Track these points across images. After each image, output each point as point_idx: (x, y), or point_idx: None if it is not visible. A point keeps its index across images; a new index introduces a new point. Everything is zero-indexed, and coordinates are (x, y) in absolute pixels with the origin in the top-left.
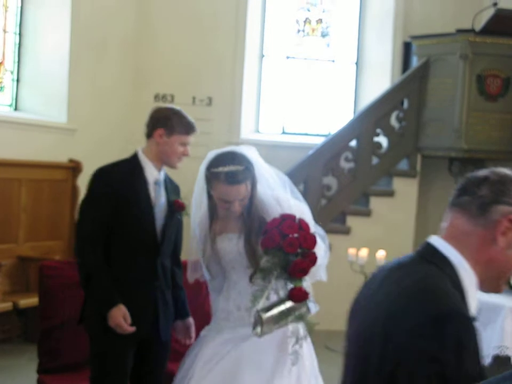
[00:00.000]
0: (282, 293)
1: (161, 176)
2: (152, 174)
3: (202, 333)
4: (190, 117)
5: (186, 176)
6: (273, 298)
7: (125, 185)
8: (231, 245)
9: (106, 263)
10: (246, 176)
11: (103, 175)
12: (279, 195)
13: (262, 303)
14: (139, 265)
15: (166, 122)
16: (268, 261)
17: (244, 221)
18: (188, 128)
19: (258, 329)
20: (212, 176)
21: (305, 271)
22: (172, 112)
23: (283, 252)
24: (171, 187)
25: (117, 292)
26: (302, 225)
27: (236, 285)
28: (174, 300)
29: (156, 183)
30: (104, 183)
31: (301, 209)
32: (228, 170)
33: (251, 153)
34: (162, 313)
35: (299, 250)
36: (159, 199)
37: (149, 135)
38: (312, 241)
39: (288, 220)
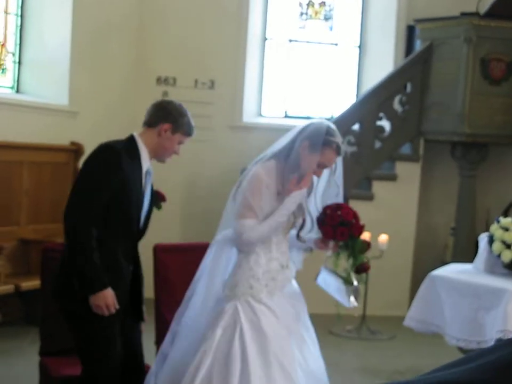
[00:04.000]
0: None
1: (151, 166)
2: (146, 162)
3: (247, 291)
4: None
5: (192, 159)
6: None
7: (127, 167)
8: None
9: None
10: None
11: (112, 151)
12: None
13: (354, 278)
14: (122, 248)
15: (175, 119)
16: (348, 246)
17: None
18: (189, 131)
19: (355, 300)
20: (326, 143)
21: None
22: (182, 112)
23: (359, 237)
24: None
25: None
26: None
27: (280, 245)
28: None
29: (147, 172)
30: (112, 159)
31: None
32: (339, 142)
33: None
34: (143, 295)
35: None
36: (147, 188)
37: (153, 124)
38: None
39: (354, 210)
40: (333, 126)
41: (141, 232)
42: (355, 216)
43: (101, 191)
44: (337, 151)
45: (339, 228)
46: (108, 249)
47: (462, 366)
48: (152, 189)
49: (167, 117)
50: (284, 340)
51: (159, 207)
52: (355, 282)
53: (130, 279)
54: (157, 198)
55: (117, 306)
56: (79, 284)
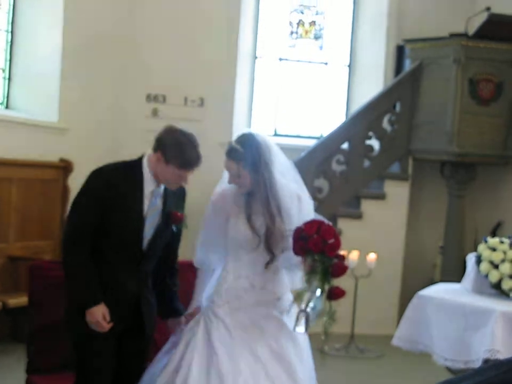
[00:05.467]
0: (317, 292)
1: (161, 188)
2: (151, 185)
3: (209, 305)
4: (197, 153)
5: None
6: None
7: (119, 192)
8: (257, 225)
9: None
10: (240, 158)
11: (101, 177)
12: (302, 194)
13: (305, 303)
14: (122, 267)
15: (165, 150)
16: (310, 265)
17: (264, 210)
18: (185, 164)
19: (303, 326)
20: None
21: (346, 272)
22: (177, 142)
23: (325, 256)
24: (173, 197)
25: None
26: (334, 230)
27: (255, 265)
28: (167, 300)
29: (153, 193)
30: (98, 186)
31: (310, 211)
32: (230, 145)
33: (268, 143)
34: (146, 316)
35: (336, 253)
36: (153, 208)
37: (154, 150)
38: (340, 242)
39: (323, 225)
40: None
41: (145, 254)
42: (319, 231)
43: (87, 214)
44: (225, 152)
45: (299, 241)
46: (106, 267)
47: None
48: (167, 211)
49: (159, 146)
50: (232, 356)
51: (178, 229)
52: (302, 307)
53: (134, 301)
54: (170, 221)
55: (108, 323)
56: (74, 302)
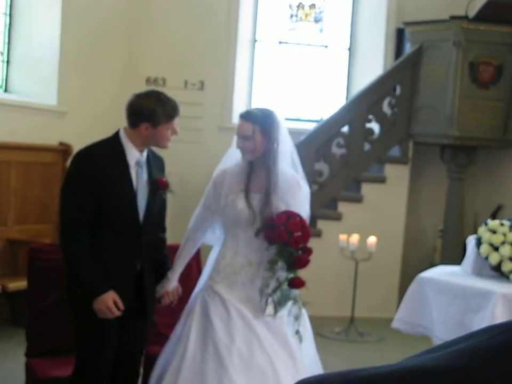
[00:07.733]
0: (281, 280)
1: (144, 156)
2: (134, 155)
3: (208, 282)
4: (172, 98)
5: (181, 160)
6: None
7: (106, 168)
8: (254, 203)
9: (91, 242)
10: (256, 120)
11: (83, 159)
12: (300, 181)
13: (271, 288)
14: (123, 245)
15: (150, 116)
16: (274, 253)
17: (265, 181)
18: (172, 113)
19: (272, 310)
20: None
21: (306, 265)
22: (153, 102)
23: (288, 247)
24: (154, 163)
25: (101, 272)
26: (304, 224)
27: (251, 242)
28: (160, 265)
29: (138, 164)
30: (85, 167)
31: (307, 198)
32: (248, 109)
33: (283, 124)
34: (148, 293)
35: (301, 246)
36: (141, 179)
37: (133, 126)
38: (309, 236)
39: (293, 218)
40: None
41: (143, 226)
42: (286, 223)
43: (80, 198)
44: (240, 114)
45: (267, 230)
46: (105, 248)
47: (432, 353)
48: (153, 178)
49: (140, 118)
50: (228, 327)
51: (165, 194)
52: (269, 291)
53: (136, 276)
54: (157, 188)
55: (121, 307)
56: (80, 290)
